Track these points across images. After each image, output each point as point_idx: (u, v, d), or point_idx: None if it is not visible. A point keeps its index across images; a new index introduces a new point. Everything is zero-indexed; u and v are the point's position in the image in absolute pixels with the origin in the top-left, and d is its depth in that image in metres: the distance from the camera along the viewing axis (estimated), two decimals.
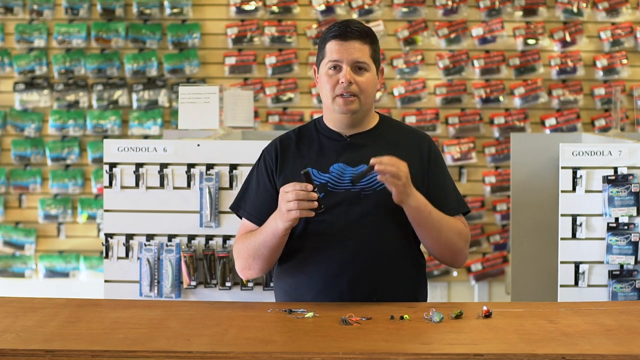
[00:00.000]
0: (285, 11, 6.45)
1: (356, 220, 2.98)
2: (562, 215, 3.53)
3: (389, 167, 2.86)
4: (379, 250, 2.97)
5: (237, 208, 3.15)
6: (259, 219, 3.08)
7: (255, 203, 3.11)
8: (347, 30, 3.00)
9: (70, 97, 6.45)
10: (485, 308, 2.74)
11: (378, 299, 2.95)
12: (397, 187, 2.88)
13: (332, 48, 3.01)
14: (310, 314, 2.74)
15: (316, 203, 2.84)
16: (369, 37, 3.03)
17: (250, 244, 3.02)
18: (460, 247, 3.08)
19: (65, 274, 6.47)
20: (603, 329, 2.62)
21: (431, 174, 3.07)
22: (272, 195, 3.07)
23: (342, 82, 2.99)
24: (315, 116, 6.35)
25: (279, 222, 2.91)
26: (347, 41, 3.00)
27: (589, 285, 3.50)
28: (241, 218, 3.15)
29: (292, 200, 2.84)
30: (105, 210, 3.59)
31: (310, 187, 2.83)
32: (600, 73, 6.42)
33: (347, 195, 3.00)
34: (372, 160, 2.87)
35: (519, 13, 6.45)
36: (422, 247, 3.12)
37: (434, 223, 2.99)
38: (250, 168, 3.48)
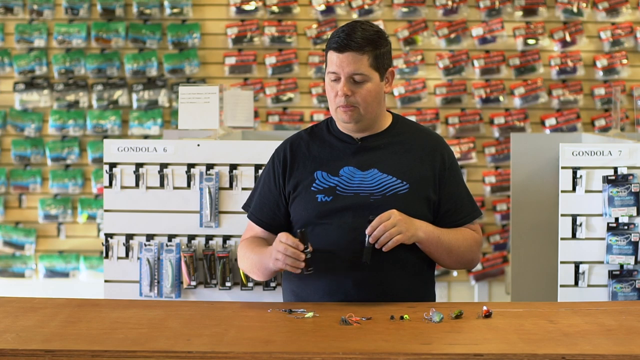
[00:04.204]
0: (285, 11, 6.45)
1: (364, 224, 2.96)
2: (562, 215, 3.53)
3: (380, 234, 2.87)
4: (387, 253, 2.95)
5: (247, 207, 3.18)
6: (261, 221, 3.10)
7: (257, 205, 3.12)
8: (345, 42, 2.94)
9: (70, 97, 6.45)
10: (485, 308, 2.74)
11: (385, 301, 2.94)
12: (401, 240, 2.89)
13: (331, 59, 2.98)
14: (310, 314, 2.74)
15: (303, 264, 2.83)
16: (369, 45, 2.96)
17: (248, 260, 3.07)
18: (471, 258, 3.11)
19: (65, 274, 6.48)
20: (603, 329, 2.62)
21: (446, 181, 3.06)
22: (276, 199, 3.08)
23: (340, 95, 2.97)
24: (316, 116, 6.38)
25: (270, 263, 2.92)
26: (344, 53, 2.95)
27: (589, 285, 3.50)
28: None
29: (281, 252, 2.85)
30: (105, 210, 3.59)
31: (301, 247, 2.82)
32: (600, 73, 6.42)
33: (356, 199, 2.99)
34: (367, 232, 2.88)
35: (519, 13, 6.45)
36: None
37: (444, 246, 3.01)
38: (250, 168, 3.49)
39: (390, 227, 2.87)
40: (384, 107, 3.09)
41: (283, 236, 2.86)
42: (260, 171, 3.29)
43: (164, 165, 3.57)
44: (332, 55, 2.97)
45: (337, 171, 3.03)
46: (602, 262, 3.50)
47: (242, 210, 3.23)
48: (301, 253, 2.82)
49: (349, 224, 2.97)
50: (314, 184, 3.03)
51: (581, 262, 3.51)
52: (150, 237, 3.56)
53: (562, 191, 3.54)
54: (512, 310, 2.83)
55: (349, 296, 2.95)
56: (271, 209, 3.09)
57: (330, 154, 3.07)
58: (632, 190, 3.47)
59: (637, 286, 3.46)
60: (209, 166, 3.56)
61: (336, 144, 3.08)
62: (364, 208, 2.97)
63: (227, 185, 3.55)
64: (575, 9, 6.42)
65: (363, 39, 2.95)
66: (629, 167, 3.51)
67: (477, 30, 6.44)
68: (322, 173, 3.04)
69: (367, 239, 2.88)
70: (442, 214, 3.06)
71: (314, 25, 6.46)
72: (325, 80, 3.03)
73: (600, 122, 6.41)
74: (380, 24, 6.42)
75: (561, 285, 3.52)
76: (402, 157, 3.05)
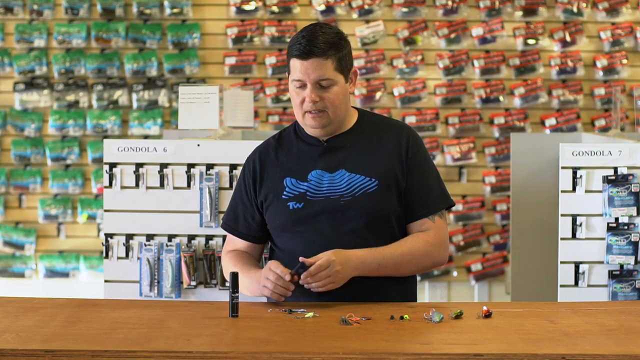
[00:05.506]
0: (285, 11, 6.45)
1: (338, 228, 2.96)
2: (562, 215, 3.53)
3: (314, 281, 2.85)
4: None
5: (224, 224, 3.18)
6: (237, 231, 3.12)
7: (232, 216, 3.14)
8: (307, 49, 2.91)
9: (70, 97, 6.45)
10: (485, 308, 2.74)
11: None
12: (331, 288, 2.88)
13: (295, 67, 2.95)
14: (310, 314, 2.74)
15: (289, 292, 2.85)
16: (332, 49, 2.93)
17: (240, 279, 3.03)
18: (431, 263, 3.04)
19: (65, 274, 6.48)
20: (603, 329, 2.62)
21: (411, 170, 3.02)
22: (249, 210, 3.09)
23: (307, 101, 2.95)
24: None
25: (257, 289, 2.93)
26: (308, 60, 2.92)
27: (589, 285, 3.50)
28: None
29: (270, 282, 2.85)
30: (105, 210, 3.59)
31: (288, 277, 2.83)
32: (600, 73, 6.42)
33: (327, 203, 2.98)
34: (302, 279, 2.86)
35: (519, 13, 6.45)
36: None
37: (389, 268, 2.97)
38: None
39: (325, 278, 2.86)
40: (349, 107, 3.07)
41: (274, 265, 2.86)
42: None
43: (164, 165, 3.57)
44: (296, 63, 2.95)
45: (306, 176, 3.02)
46: (602, 262, 3.50)
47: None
48: (290, 283, 2.83)
49: (324, 229, 2.97)
50: (284, 192, 3.02)
51: (581, 262, 3.51)
52: (150, 237, 3.56)
53: (562, 191, 3.54)
54: (512, 310, 2.83)
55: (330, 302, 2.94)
56: (245, 220, 3.10)
57: (298, 159, 3.05)
58: (632, 190, 3.47)
59: (637, 286, 3.46)
60: (209, 166, 3.56)
61: (303, 148, 3.06)
62: (336, 211, 2.97)
63: (227, 185, 3.55)
64: (575, 9, 6.42)
65: (325, 44, 2.93)
66: (629, 167, 3.51)
67: (477, 30, 6.44)
68: (291, 180, 3.03)
69: (299, 270, 2.86)
70: (403, 205, 3.02)
71: None
72: (290, 87, 3.01)
73: (600, 122, 6.41)
74: (380, 24, 6.43)
75: (561, 285, 3.52)
76: (369, 153, 3.02)
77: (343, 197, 2.98)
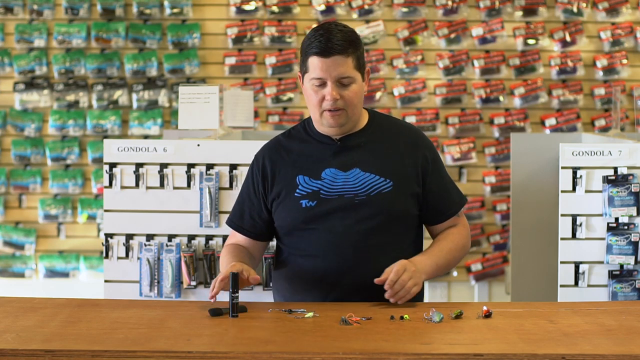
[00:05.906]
0: (285, 11, 6.45)
1: (351, 227, 2.96)
2: (562, 215, 3.53)
3: (399, 288, 2.85)
4: (377, 256, 2.94)
5: (229, 220, 3.17)
6: (242, 228, 3.12)
7: (237, 212, 3.13)
8: (328, 46, 2.89)
9: (70, 97, 6.45)
10: (485, 308, 2.74)
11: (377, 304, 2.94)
12: (416, 292, 2.90)
13: (315, 64, 2.92)
14: (310, 314, 2.74)
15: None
16: (351, 47, 2.93)
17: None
18: (465, 253, 3.16)
19: (65, 274, 6.48)
20: (603, 329, 2.62)
21: (430, 175, 3.05)
22: (255, 207, 3.08)
23: (328, 100, 2.93)
24: None
25: None
26: (329, 57, 2.90)
27: (589, 285, 3.50)
28: None
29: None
30: (105, 210, 3.59)
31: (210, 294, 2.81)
32: (600, 73, 6.42)
33: (340, 201, 2.98)
34: (386, 293, 2.85)
35: (519, 13, 6.45)
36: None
37: (443, 268, 3.06)
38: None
39: (408, 280, 2.87)
40: (362, 106, 3.07)
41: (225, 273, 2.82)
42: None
43: (164, 165, 3.57)
44: (315, 61, 2.92)
45: (319, 174, 3.01)
46: (602, 262, 3.50)
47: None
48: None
49: (337, 227, 2.96)
50: (297, 190, 3.01)
51: (581, 262, 3.51)
52: (150, 237, 3.56)
53: (562, 191, 3.54)
54: (512, 310, 2.83)
55: (341, 301, 2.94)
56: (251, 217, 3.09)
57: (311, 157, 3.04)
58: (632, 190, 3.47)
59: (637, 286, 3.46)
60: (209, 166, 3.56)
61: (315, 146, 3.05)
62: (350, 210, 2.96)
63: (227, 185, 3.55)
64: (575, 9, 6.42)
65: (345, 41, 2.92)
66: (629, 167, 3.51)
67: (477, 30, 6.44)
68: (304, 177, 3.01)
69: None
70: (429, 208, 3.06)
71: (314, 25, 6.45)
72: (306, 86, 2.98)
73: (600, 122, 6.41)
74: (380, 24, 6.43)
75: (561, 285, 3.52)
76: (383, 154, 3.03)
77: (357, 195, 2.98)
